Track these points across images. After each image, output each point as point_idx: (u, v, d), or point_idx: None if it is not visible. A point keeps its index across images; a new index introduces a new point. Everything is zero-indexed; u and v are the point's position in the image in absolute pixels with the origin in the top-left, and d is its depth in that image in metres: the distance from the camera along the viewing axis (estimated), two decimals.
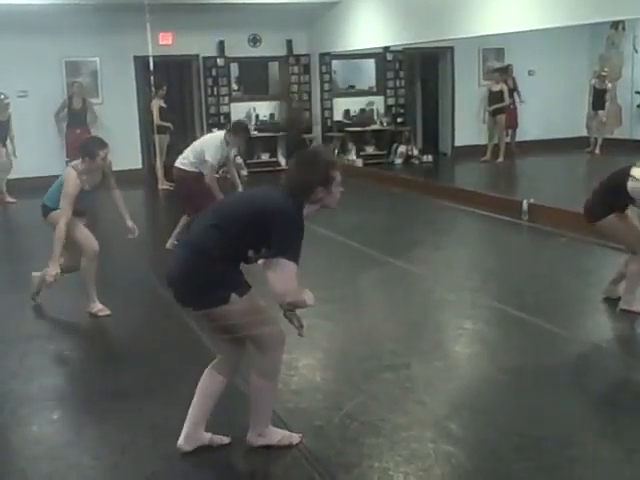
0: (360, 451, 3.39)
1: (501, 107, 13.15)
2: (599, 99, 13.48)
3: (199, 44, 12.96)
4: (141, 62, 12.14)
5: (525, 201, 8.48)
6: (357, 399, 3.93)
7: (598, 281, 6.34)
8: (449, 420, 3.61)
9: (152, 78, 10.57)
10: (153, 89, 11.23)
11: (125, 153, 12.57)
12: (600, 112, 13.48)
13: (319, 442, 3.52)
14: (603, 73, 13.46)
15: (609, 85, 13.49)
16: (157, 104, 11.77)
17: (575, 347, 4.74)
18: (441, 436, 3.48)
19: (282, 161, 13.71)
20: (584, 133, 14.17)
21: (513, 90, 13.61)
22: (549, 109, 13.97)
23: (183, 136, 13.65)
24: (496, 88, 13.23)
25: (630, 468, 3.18)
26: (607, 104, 13.58)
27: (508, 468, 3.22)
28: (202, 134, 13.40)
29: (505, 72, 13.52)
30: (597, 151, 13.31)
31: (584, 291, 6.01)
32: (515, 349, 4.65)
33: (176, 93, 13.58)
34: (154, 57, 11.62)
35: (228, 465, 3.40)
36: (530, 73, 14.30)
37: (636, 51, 13.85)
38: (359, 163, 13.53)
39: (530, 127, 13.85)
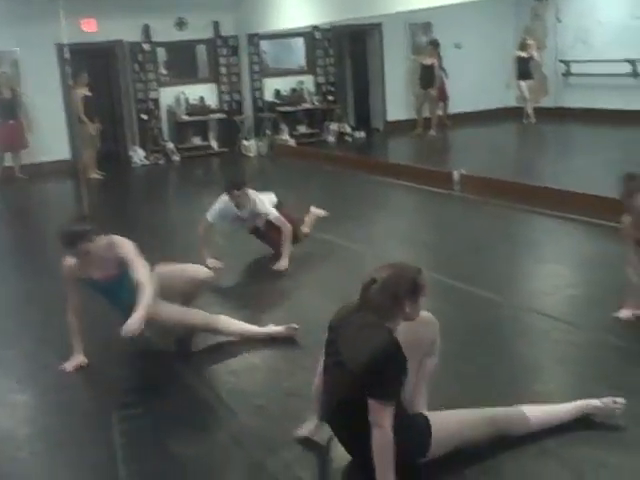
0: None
1: (433, 80, 13.32)
2: (524, 68, 13.67)
3: (123, 29, 12.67)
4: (63, 50, 11.83)
5: (456, 172, 8.59)
6: (297, 375, 3.94)
7: (528, 246, 6.50)
8: None
9: (68, 67, 10.30)
10: (70, 78, 10.95)
11: (52, 144, 12.34)
12: (528, 81, 13.67)
13: (261, 420, 3.54)
14: (527, 42, 13.67)
15: (534, 54, 13.69)
16: (80, 93, 11.51)
17: (508, 311, 4.84)
18: None
19: (214, 145, 13.57)
20: (512, 103, 14.40)
21: (440, 63, 13.77)
22: (477, 81, 14.14)
23: (112, 124, 13.43)
24: (428, 62, 13.37)
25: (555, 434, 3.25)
26: (534, 73, 13.80)
27: None
28: (131, 121, 13.25)
29: (437, 45, 13.65)
30: (533, 120, 13.48)
31: (515, 257, 6.13)
32: (450, 316, 4.69)
33: (103, 80, 13.28)
34: (76, 45, 11.34)
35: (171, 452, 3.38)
36: (457, 46, 14.44)
37: (559, 21, 14.11)
38: (292, 143, 13.51)
39: (460, 99, 14.01)
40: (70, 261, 4.25)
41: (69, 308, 4.34)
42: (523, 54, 13.64)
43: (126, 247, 4.20)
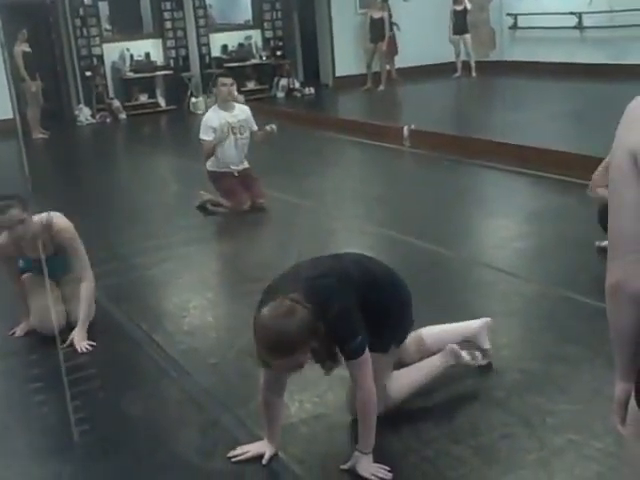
0: (256, 384, 3.40)
1: (383, 34, 13.23)
2: (461, 22, 13.62)
3: None
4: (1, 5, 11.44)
5: (406, 127, 8.60)
6: (250, 334, 3.93)
7: (477, 200, 6.57)
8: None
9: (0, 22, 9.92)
10: (3, 34, 10.57)
11: None
12: (466, 35, 13.62)
13: (215, 379, 3.55)
14: None
15: (468, 5, 13.59)
16: (20, 50, 11.16)
17: (458, 265, 4.91)
18: None
19: (162, 102, 13.34)
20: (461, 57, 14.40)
21: (390, 17, 13.68)
22: (425, 35, 14.07)
23: (55, 81, 13.08)
24: (377, 15, 13.27)
25: (502, 385, 3.34)
26: (479, 26, 13.80)
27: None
28: (75, 79, 12.91)
29: None
30: (473, 74, 13.53)
31: (464, 211, 6.18)
32: (399, 271, 4.74)
33: (43, 36, 12.89)
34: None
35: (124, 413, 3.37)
36: None
37: None
38: (241, 99, 13.27)
39: (408, 53, 13.96)
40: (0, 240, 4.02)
41: (9, 278, 4.26)
42: (457, 7, 13.59)
43: (69, 233, 4.05)
